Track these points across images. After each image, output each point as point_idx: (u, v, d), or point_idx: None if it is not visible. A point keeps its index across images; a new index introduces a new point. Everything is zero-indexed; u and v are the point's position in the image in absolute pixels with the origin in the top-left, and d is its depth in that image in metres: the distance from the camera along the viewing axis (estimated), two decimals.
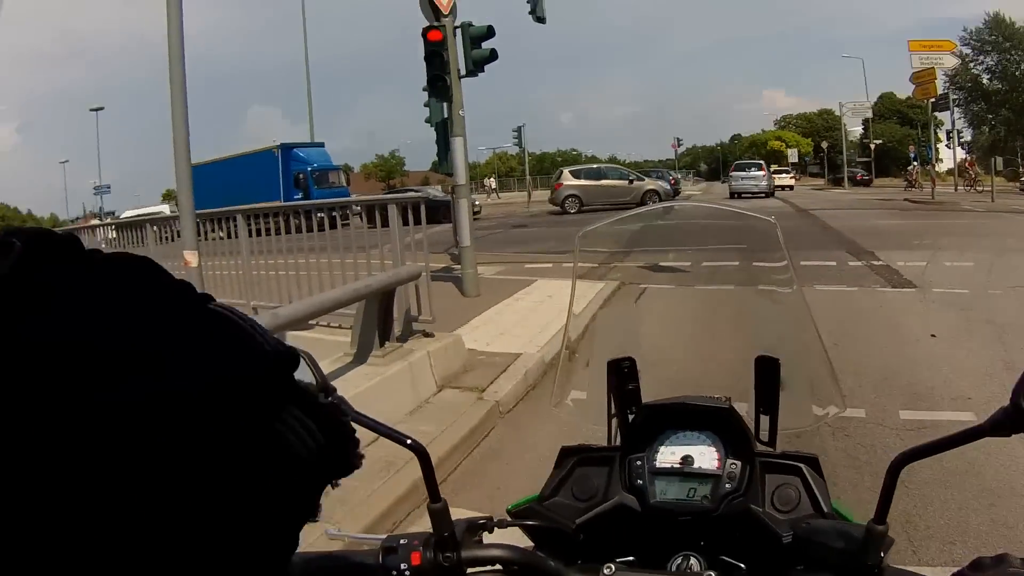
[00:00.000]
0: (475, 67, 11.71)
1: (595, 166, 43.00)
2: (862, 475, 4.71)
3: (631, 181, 38.32)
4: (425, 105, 12.07)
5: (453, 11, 11.35)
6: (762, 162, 51.09)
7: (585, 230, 1.82)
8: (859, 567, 1.12)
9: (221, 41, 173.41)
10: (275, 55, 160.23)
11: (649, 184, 38.18)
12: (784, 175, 55.01)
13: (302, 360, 1.31)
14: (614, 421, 1.58)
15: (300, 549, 1.09)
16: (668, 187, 39.85)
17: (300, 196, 36.39)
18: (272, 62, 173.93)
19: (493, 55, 11.82)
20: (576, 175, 37.58)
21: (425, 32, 11.25)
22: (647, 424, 1.44)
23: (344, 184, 42.54)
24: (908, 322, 9.27)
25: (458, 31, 11.51)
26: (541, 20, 14.10)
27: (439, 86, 11.28)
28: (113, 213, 62.21)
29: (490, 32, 11.79)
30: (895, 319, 9.48)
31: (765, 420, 1.51)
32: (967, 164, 47.37)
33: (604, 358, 1.59)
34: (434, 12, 11.28)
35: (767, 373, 1.50)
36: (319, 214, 8.55)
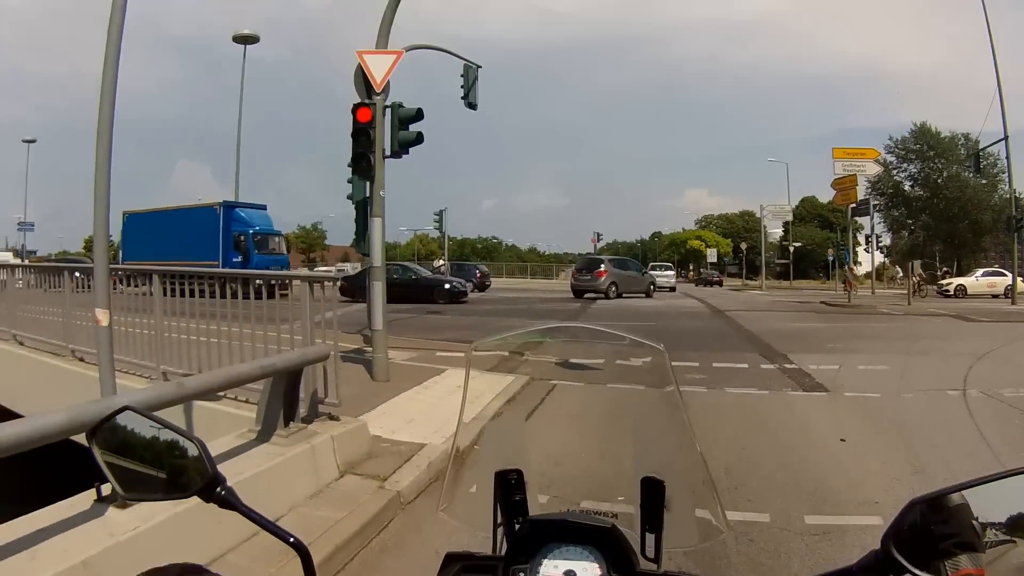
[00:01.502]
0: (400, 148, 11.72)
1: (618, 258, 50.29)
2: None
3: (643, 273, 47.41)
4: (348, 181, 12.07)
5: (386, 90, 11.42)
6: (671, 264, 61.58)
7: (478, 343, 1.89)
8: None
9: (162, 97, 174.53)
10: (210, 118, 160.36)
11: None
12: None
13: (198, 450, 1.28)
14: (500, 530, 1.62)
15: None
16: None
17: (239, 260, 35.31)
18: (208, 124, 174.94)
19: (419, 138, 11.84)
20: (612, 264, 42.76)
21: (355, 109, 11.25)
22: (532, 536, 1.43)
23: (284, 251, 41.11)
24: (817, 426, 9.29)
25: (387, 111, 11.55)
26: (472, 106, 14.34)
27: (363, 165, 11.25)
28: (35, 252, 60.76)
29: (419, 115, 11.85)
30: (804, 423, 9.48)
31: (651, 538, 1.55)
32: (919, 276, 48.98)
33: (492, 468, 1.64)
34: (367, 89, 11.35)
35: (652, 493, 1.56)
36: (257, 282, 8.25)
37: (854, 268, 48.77)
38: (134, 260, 34.73)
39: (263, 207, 40.53)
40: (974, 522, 1.06)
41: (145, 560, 4.16)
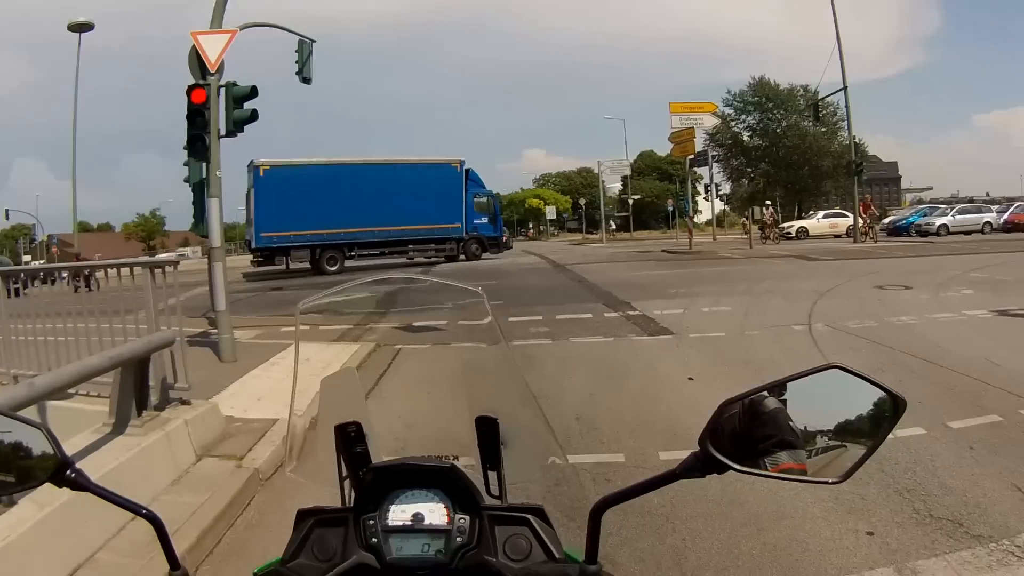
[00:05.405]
0: (235, 127, 11.51)
1: None
2: (626, 516, 4.72)
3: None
4: (184, 164, 11.75)
5: (220, 69, 11.15)
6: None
7: (304, 304, 1.91)
8: None
9: None
10: (43, 112, 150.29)
11: None
12: None
13: (43, 436, 1.36)
14: (347, 483, 1.65)
15: None
16: None
17: (484, 221, 34.97)
18: (40, 119, 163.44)
19: (254, 116, 11.68)
20: None
21: (190, 90, 11.05)
22: (377, 484, 1.49)
23: None
24: (665, 368, 9.53)
25: (222, 91, 11.31)
26: (307, 81, 14.18)
27: (199, 146, 11.04)
28: None
29: (253, 93, 11.67)
30: (652, 365, 9.70)
31: (493, 475, 1.62)
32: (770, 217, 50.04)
33: (331, 423, 1.67)
34: (201, 70, 11.09)
35: (488, 431, 1.62)
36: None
37: (684, 219, 50.44)
38: (284, 230, 33.98)
39: None
40: (790, 423, 1.22)
41: (15, 572, 4.11)
